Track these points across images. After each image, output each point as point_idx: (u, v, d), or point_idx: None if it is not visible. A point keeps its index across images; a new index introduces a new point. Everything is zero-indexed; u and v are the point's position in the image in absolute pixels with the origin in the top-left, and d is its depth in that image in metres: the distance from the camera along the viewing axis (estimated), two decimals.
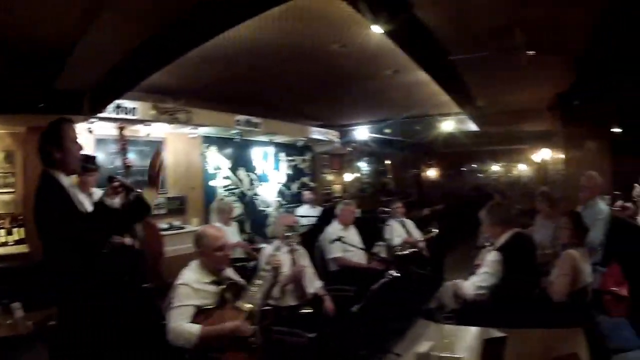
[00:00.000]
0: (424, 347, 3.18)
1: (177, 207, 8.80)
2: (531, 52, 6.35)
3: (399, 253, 8.30)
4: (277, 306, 5.07)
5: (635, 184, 6.76)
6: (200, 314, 3.89)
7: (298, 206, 11.69)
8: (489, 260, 4.38)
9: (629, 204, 6.81)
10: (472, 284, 4.39)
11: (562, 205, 8.67)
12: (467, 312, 4.34)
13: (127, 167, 4.04)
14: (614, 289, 5.26)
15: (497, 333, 3.27)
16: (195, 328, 3.75)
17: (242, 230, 9.30)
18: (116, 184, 3.45)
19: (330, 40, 5.70)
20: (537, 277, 4.75)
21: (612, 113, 9.19)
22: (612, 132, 9.99)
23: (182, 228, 8.31)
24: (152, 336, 4.14)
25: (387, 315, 6.05)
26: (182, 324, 3.78)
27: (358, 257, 7.08)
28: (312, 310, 5.31)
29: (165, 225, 8.14)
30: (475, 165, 25.47)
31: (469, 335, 3.44)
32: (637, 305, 5.05)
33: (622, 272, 5.48)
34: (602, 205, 6.52)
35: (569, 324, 3.79)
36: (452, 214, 16.91)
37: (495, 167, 24.99)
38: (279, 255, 4.93)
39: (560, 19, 5.38)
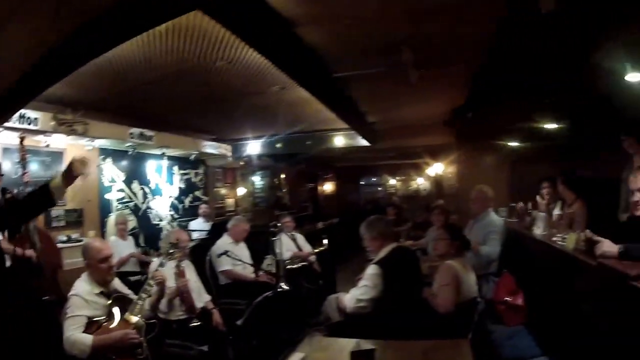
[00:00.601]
0: (295, 357, 3.28)
1: (75, 219, 8.50)
2: (422, 69, 6.40)
3: (289, 267, 8.31)
4: (166, 319, 5.04)
5: (538, 196, 6.90)
6: (92, 325, 3.92)
7: (191, 220, 11.57)
8: (368, 274, 4.43)
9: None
10: (352, 297, 4.42)
11: (456, 218, 8.83)
12: (350, 324, 4.39)
13: (25, 182, 3.92)
14: (507, 298, 5.36)
15: (367, 345, 3.32)
16: (88, 338, 3.77)
17: (137, 244, 9.11)
18: (8, 196, 3.34)
19: (216, 57, 5.61)
20: (420, 289, 4.79)
21: (509, 127, 9.39)
22: (509, 145, 10.20)
23: (79, 241, 7.94)
24: (51, 348, 4.06)
25: (278, 328, 5.99)
26: (75, 334, 3.78)
27: (247, 271, 7.02)
28: (200, 324, 5.24)
29: (63, 238, 7.88)
30: (374, 179, 25.79)
31: (349, 347, 3.36)
32: (535, 313, 5.13)
33: (515, 281, 5.56)
34: (495, 217, 6.68)
35: (453, 334, 3.88)
36: (347, 227, 17.09)
37: (393, 181, 25.36)
38: (162, 270, 4.86)
39: (455, 35, 5.41)
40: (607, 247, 3.51)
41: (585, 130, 7.32)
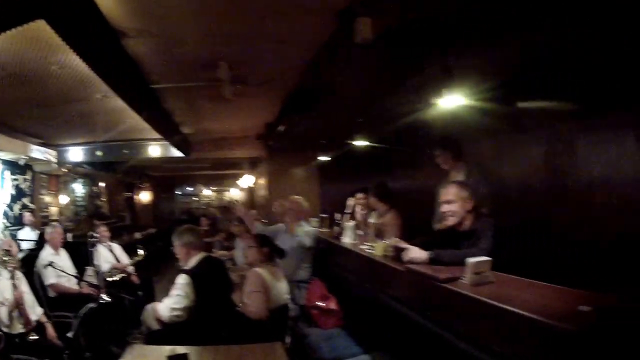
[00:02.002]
0: None
1: None
2: (238, 85, 6.48)
3: (109, 279, 8.22)
4: (9, 333, 4.81)
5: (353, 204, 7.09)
6: None
7: (20, 229, 10.80)
8: (179, 283, 4.41)
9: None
10: (166, 307, 4.39)
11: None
12: (167, 332, 4.35)
13: None
14: (320, 303, 5.50)
15: (180, 350, 3.43)
16: None
17: None
18: None
19: (50, 62, 5.41)
20: (230, 297, 4.90)
21: (319, 142, 9.63)
22: (319, 159, 10.47)
23: None
24: None
25: (105, 339, 5.75)
26: None
27: (71, 282, 6.79)
28: (38, 337, 5.06)
29: None
30: (189, 189, 25.47)
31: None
32: (351, 316, 5.29)
33: (327, 287, 5.76)
34: (307, 228, 6.77)
35: (267, 338, 3.97)
36: (164, 237, 16.75)
37: (207, 192, 25.21)
38: None
39: (274, 55, 5.56)
40: (415, 253, 3.76)
41: (396, 147, 7.66)
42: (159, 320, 4.45)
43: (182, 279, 4.38)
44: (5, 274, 5.01)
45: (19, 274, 5.34)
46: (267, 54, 5.51)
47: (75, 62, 5.29)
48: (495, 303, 2.61)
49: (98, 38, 4.53)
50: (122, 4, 4.16)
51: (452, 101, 4.76)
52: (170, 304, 4.33)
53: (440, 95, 4.65)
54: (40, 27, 4.17)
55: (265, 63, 5.88)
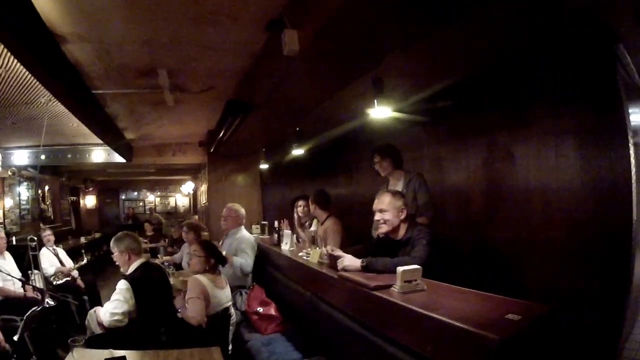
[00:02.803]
0: None
1: None
2: (177, 92, 6.48)
3: (55, 282, 8.14)
4: None
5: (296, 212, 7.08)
6: None
7: None
8: (119, 288, 4.38)
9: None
10: (107, 311, 4.35)
11: (208, 235, 8.86)
12: (108, 336, 4.27)
13: None
14: (259, 309, 5.49)
15: (118, 353, 3.45)
16: None
17: None
18: None
19: None
20: (171, 302, 4.92)
21: (259, 149, 9.61)
22: (260, 167, 10.43)
23: None
24: None
25: (50, 343, 5.65)
26: None
27: (16, 286, 6.63)
28: None
29: None
30: (134, 194, 25.12)
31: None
32: (290, 321, 5.29)
33: (266, 293, 5.76)
34: (246, 233, 6.80)
35: (205, 343, 3.93)
36: (108, 242, 16.41)
37: (152, 197, 24.90)
38: None
39: (212, 64, 5.56)
40: (349, 261, 3.80)
41: (334, 155, 7.68)
42: (101, 324, 4.43)
43: (122, 284, 4.35)
44: None
45: None
46: (204, 62, 5.49)
47: (19, 65, 5.23)
48: (421, 310, 2.63)
49: (38, 42, 4.44)
50: (61, 9, 4.10)
51: (382, 112, 4.79)
52: (110, 308, 4.29)
53: (371, 106, 4.67)
54: None
55: (203, 71, 5.84)
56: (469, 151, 5.54)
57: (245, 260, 6.28)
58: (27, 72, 5.45)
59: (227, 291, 5.03)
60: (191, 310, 4.52)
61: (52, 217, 16.13)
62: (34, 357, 5.10)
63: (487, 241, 5.28)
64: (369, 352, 3.22)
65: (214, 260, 5.02)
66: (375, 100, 4.71)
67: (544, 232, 4.66)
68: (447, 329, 2.42)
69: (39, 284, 6.99)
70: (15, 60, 5.09)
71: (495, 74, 4.89)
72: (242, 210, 6.92)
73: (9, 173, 12.42)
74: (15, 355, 4.93)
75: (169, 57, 5.36)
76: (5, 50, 4.78)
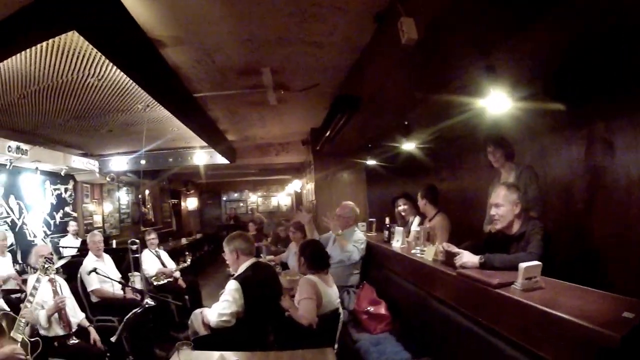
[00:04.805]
0: None
1: None
2: (281, 91, 6.54)
3: (155, 283, 8.35)
4: (47, 337, 4.93)
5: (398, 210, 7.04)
6: None
7: (63, 236, 11.10)
8: (228, 289, 4.42)
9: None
10: (215, 312, 4.40)
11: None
12: (215, 337, 4.35)
13: None
14: (369, 308, 5.46)
15: (231, 357, 3.46)
16: None
17: (15, 260, 8.81)
18: None
19: (87, 74, 5.49)
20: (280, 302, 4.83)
21: (365, 146, 9.59)
22: (366, 163, 10.42)
23: None
24: None
25: (149, 343, 5.87)
26: None
27: (115, 288, 6.82)
28: (78, 341, 5.17)
29: None
30: (236, 195, 25.67)
31: None
32: (400, 321, 5.25)
33: (377, 292, 5.71)
34: (359, 233, 6.73)
35: (317, 344, 3.90)
36: (210, 243, 17.02)
37: (254, 197, 25.36)
38: (38, 286, 4.79)
39: (316, 60, 5.58)
40: (467, 258, 3.74)
41: (443, 149, 7.59)
42: (206, 325, 4.49)
43: (231, 285, 4.39)
44: (45, 280, 5.10)
45: (59, 280, 5.50)
46: (308, 59, 5.52)
47: (114, 73, 5.43)
48: (545, 308, 2.59)
49: (135, 48, 4.60)
50: (157, 14, 4.22)
51: (496, 101, 4.71)
52: (219, 309, 4.35)
53: (485, 95, 4.59)
54: (73, 39, 4.34)
55: (306, 68, 5.88)
56: (571, 143, 5.35)
57: (352, 252, 6.30)
58: (122, 80, 5.67)
59: (336, 290, 5.01)
60: (303, 310, 4.50)
61: (153, 219, 16.79)
62: (130, 357, 5.29)
63: (586, 235, 5.09)
64: (482, 352, 3.18)
65: (319, 259, 5.04)
66: (487, 89, 4.62)
67: None
68: (569, 328, 2.38)
69: (139, 285, 7.26)
70: (109, 69, 5.27)
71: (597, 59, 4.70)
72: (357, 210, 6.89)
73: (107, 179, 13.04)
74: (108, 354, 5.15)
75: (272, 55, 5.41)
76: (98, 59, 4.94)
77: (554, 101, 5.01)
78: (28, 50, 4.56)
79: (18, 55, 4.67)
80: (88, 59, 5.01)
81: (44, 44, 4.46)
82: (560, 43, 4.19)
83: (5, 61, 4.79)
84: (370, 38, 4.84)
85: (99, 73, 5.48)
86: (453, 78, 4.67)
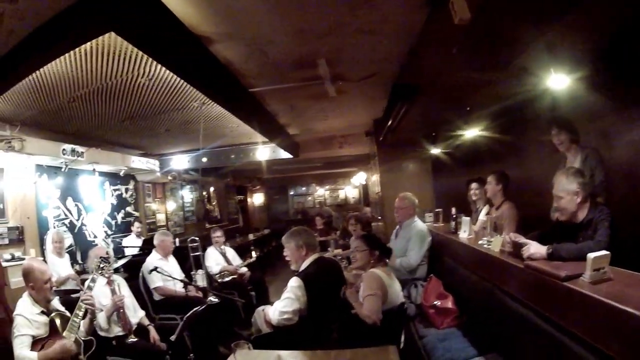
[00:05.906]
0: None
1: (17, 237, 8.19)
2: (339, 82, 6.47)
3: (220, 280, 8.45)
4: (106, 337, 5.05)
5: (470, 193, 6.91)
6: (37, 343, 4.04)
7: (125, 236, 11.43)
8: (290, 286, 4.38)
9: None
10: (276, 310, 4.38)
11: (382, 226, 8.83)
12: (277, 335, 4.36)
13: None
14: (437, 302, 5.39)
15: (285, 356, 3.50)
16: (33, 355, 3.90)
17: (74, 261, 9.13)
18: None
19: (136, 74, 5.58)
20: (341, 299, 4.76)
21: (429, 134, 9.46)
22: (431, 152, 10.28)
23: (22, 259, 7.67)
24: None
25: (211, 341, 5.92)
26: (22, 352, 3.91)
27: (178, 286, 6.93)
28: (138, 340, 5.23)
29: (7, 256, 7.65)
30: (302, 189, 25.82)
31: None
32: (467, 315, 5.18)
33: (444, 285, 5.62)
34: (419, 225, 6.68)
35: (381, 341, 3.83)
36: (278, 238, 17.13)
37: (321, 191, 25.44)
38: (94, 287, 4.97)
39: (372, 49, 5.48)
40: (535, 249, 3.60)
41: (507, 134, 7.40)
42: (269, 323, 4.48)
43: (293, 282, 4.36)
44: (102, 281, 5.23)
45: (118, 279, 5.59)
46: (363, 48, 5.42)
47: (164, 72, 5.49)
48: (615, 304, 2.43)
49: (180, 46, 4.59)
50: (200, 11, 4.20)
51: (557, 81, 4.54)
52: (280, 307, 4.33)
53: (546, 76, 4.44)
54: (116, 41, 4.41)
55: (363, 57, 5.80)
56: (635, 123, 5.08)
57: (407, 258, 6.27)
58: (173, 78, 5.72)
59: (399, 284, 4.91)
60: (368, 308, 4.44)
61: (218, 216, 17.04)
62: (191, 354, 5.29)
63: None
64: (551, 350, 3.05)
65: (378, 252, 4.98)
66: (548, 69, 4.49)
67: None
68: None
69: (201, 283, 7.37)
70: (158, 68, 5.33)
71: None
72: (415, 200, 6.85)
73: (169, 178, 13.29)
74: (170, 352, 5.18)
75: (326, 46, 5.32)
76: (145, 59, 5.01)
77: (615, 80, 4.78)
78: (72, 53, 4.64)
79: (62, 58, 4.76)
80: (135, 60, 5.09)
81: (87, 46, 4.53)
82: (617, 18, 3.99)
83: (49, 65, 4.89)
84: (424, 22, 4.71)
85: (149, 73, 5.56)
86: (512, 58, 4.51)
